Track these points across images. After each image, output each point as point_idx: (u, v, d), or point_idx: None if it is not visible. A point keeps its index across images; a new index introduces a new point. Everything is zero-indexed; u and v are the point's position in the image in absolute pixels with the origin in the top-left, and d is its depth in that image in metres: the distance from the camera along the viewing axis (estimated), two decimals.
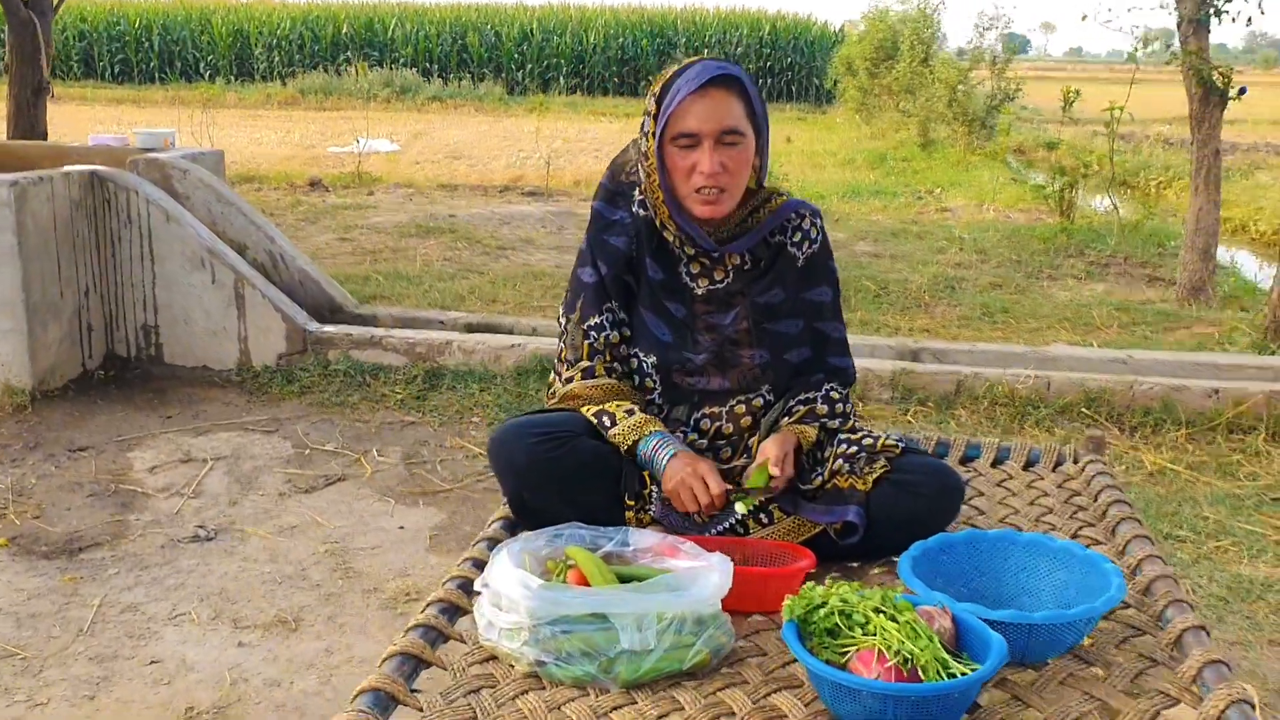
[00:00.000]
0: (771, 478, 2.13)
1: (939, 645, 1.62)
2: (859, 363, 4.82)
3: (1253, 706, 1.65)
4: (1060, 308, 7.31)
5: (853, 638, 1.62)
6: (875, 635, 1.61)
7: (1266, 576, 3.43)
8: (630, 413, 2.21)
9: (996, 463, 2.77)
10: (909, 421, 4.64)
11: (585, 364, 2.27)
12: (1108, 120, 9.26)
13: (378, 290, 7.04)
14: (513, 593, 1.75)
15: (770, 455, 2.15)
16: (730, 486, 2.14)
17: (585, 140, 18.71)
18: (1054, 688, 1.71)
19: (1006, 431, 4.58)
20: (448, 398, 4.86)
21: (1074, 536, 2.33)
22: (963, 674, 1.56)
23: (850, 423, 2.35)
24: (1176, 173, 15.42)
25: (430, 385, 4.95)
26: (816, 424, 2.29)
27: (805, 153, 17.58)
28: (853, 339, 5.13)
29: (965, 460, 2.78)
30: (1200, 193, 7.27)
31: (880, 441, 2.26)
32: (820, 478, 2.23)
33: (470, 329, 5.63)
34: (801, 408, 2.31)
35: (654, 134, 2.16)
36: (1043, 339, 6.43)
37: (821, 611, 1.66)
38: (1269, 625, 3.15)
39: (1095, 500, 2.50)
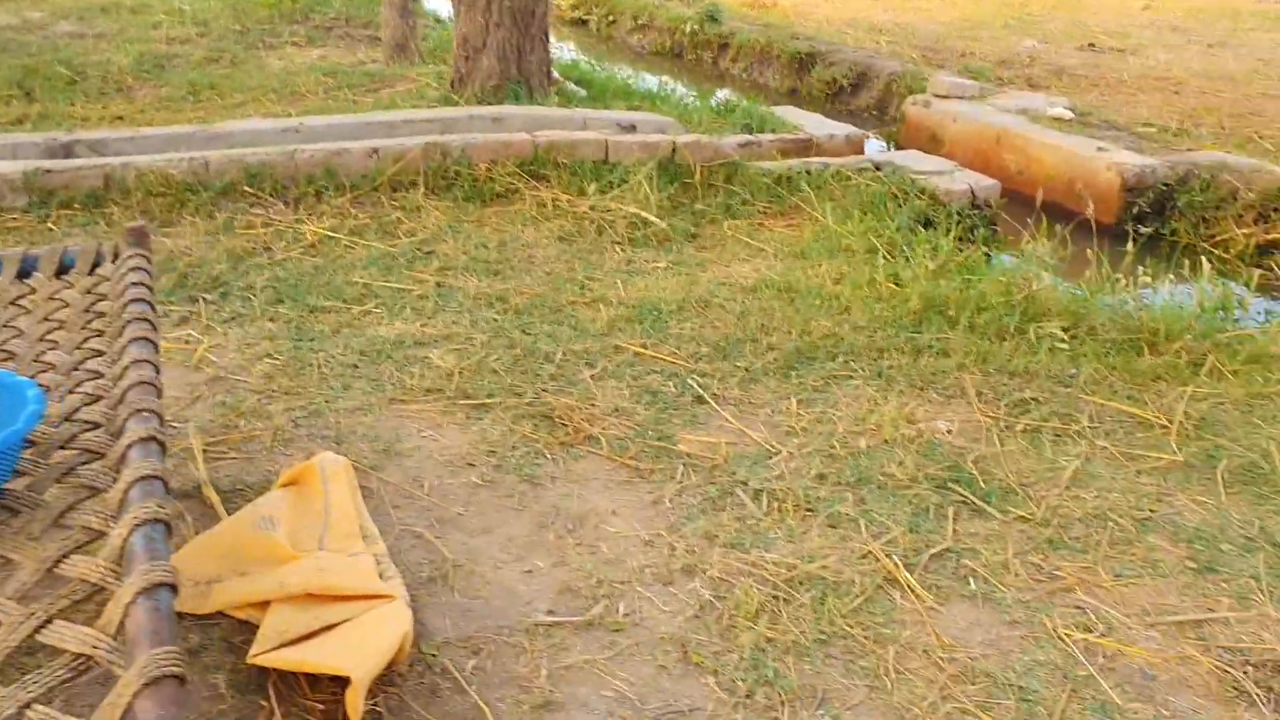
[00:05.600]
0: None
1: None
2: None
3: (168, 528, 1.48)
4: (270, 78, 6.95)
5: None
6: None
7: (399, 334, 3.48)
8: None
9: (24, 275, 2.38)
10: (50, 229, 4.07)
11: None
12: None
13: None
14: None
15: None
16: None
17: None
18: None
19: (165, 224, 4.19)
20: None
21: (79, 348, 2.04)
22: None
23: None
24: None
25: None
26: None
27: None
28: None
29: None
30: None
31: None
32: None
33: None
34: None
35: None
36: (244, 114, 6.05)
37: None
38: (391, 384, 3.19)
39: (122, 304, 2.22)
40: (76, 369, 1.96)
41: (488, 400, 3.12)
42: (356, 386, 3.17)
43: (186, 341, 3.39)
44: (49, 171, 4.17)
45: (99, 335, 2.10)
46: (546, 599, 2.35)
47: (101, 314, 2.19)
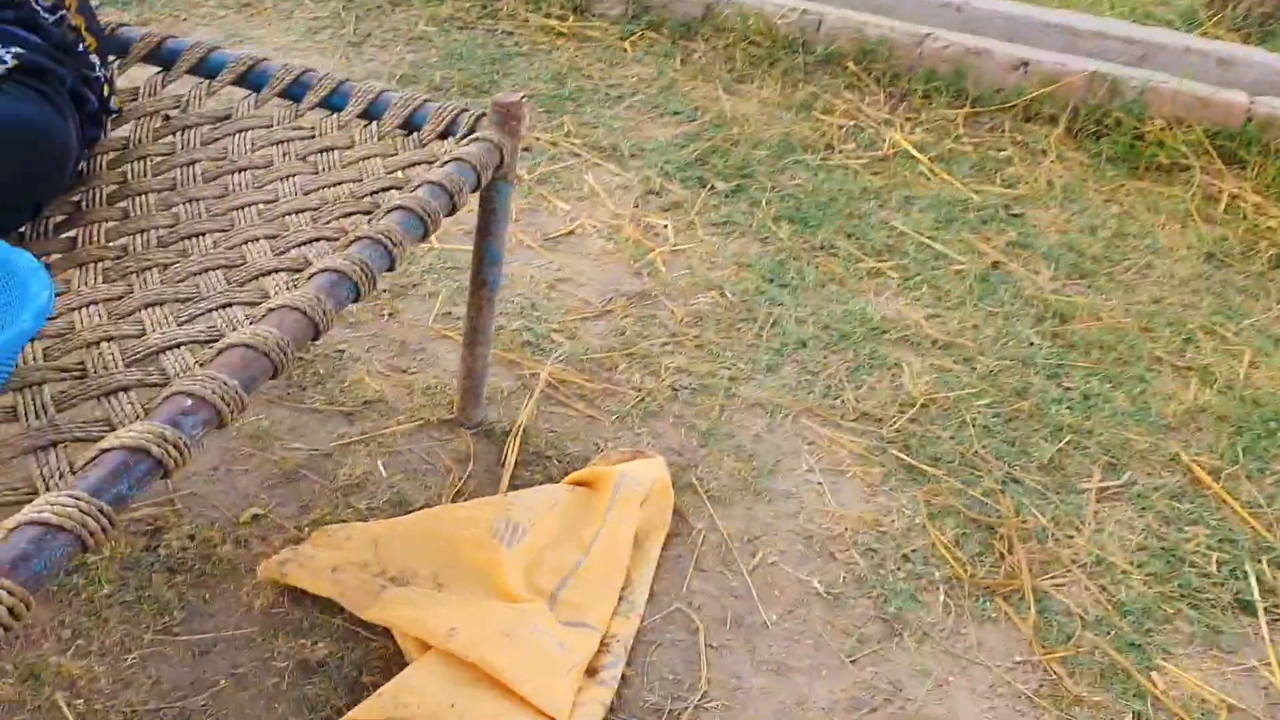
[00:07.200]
0: None
1: None
2: None
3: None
4: None
5: None
6: None
7: (889, 317, 2.59)
8: None
9: (371, 116, 1.90)
10: (624, 50, 3.65)
11: None
12: None
13: None
14: None
15: None
16: None
17: None
18: None
19: (742, 79, 3.58)
20: None
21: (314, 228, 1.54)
22: None
23: None
24: None
25: None
26: None
27: None
28: None
29: (327, 106, 1.91)
30: None
31: None
32: None
33: None
34: None
35: None
36: None
37: None
38: (822, 388, 2.35)
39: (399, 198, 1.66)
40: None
41: (926, 467, 2.18)
42: (785, 370, 2.39)
43: (656, 233, 2.81)
44: None
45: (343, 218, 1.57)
46: None
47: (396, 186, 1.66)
